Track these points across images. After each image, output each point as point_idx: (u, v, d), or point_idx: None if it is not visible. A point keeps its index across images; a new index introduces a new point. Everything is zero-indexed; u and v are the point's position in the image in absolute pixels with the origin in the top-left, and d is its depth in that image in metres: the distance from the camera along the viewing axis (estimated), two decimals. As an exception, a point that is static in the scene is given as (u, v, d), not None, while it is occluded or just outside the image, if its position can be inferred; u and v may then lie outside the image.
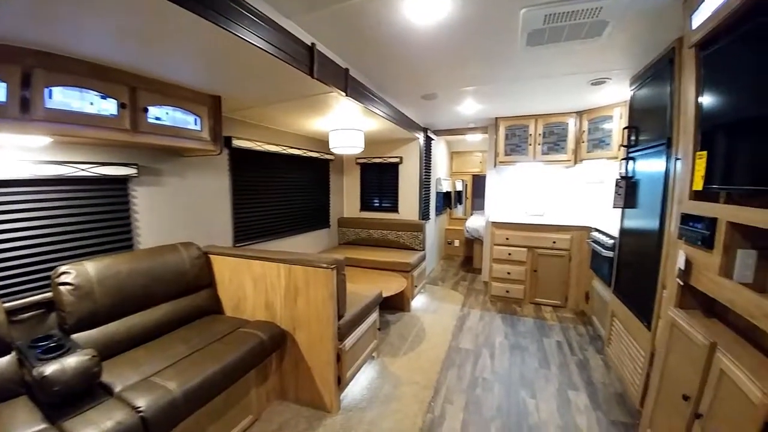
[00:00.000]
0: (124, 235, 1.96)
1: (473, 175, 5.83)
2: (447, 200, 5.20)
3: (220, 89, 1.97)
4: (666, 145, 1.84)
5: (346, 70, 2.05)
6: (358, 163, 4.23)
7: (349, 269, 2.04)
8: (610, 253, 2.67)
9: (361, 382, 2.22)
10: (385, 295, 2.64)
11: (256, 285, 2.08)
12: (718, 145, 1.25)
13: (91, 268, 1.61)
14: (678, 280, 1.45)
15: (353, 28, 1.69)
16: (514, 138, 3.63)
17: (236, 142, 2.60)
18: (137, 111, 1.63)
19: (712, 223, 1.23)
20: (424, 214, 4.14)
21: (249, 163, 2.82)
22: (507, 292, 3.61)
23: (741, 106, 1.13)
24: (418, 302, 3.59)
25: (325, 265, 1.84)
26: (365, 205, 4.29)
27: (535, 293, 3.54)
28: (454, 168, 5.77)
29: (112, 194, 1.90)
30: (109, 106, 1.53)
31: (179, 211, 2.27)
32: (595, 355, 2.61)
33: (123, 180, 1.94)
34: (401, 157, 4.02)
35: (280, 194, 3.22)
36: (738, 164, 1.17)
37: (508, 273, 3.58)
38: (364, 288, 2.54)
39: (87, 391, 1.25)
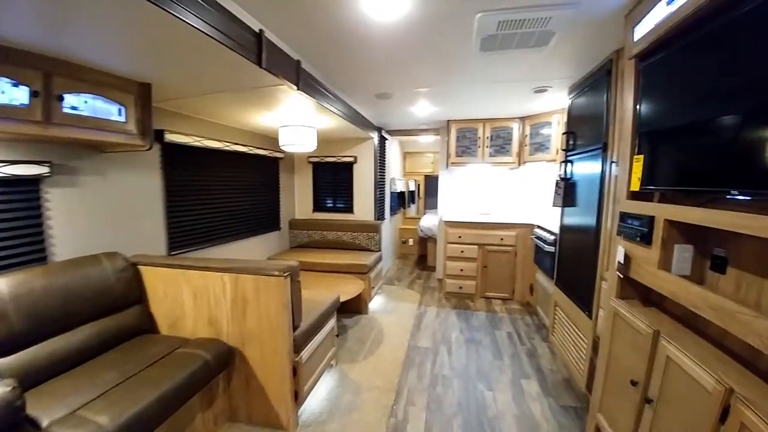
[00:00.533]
0: (36, 245, 1.63)
1: (425, 176, 5.93)
2: (401, 200, 5.22)
3: (151, 75, 1.68)
4: (602, 149, 1.99)
5: (298, 62, 1.89)
6: (310, 162, 4.02)
7: (303, 274, 1.88)
8: (551, 248, 2.86)
9: (319, 394, 2.08)
10: (342, 299, 2.52)
11: (196, 298, 1.82)
12: (654, 149, 1.35)
13: (2, 285, 1.34)
14: (618, 273, 1.55)
15: (306, 17, 1.55)
16: (464, 140, 3.74)
17: (170, 137, 2.27)
18: (51, 99, 1.35)
19: (650, 220, 1.32)
20: (380, 215, 4.09)
21: (185, 160, 2.49)
22: (460, 288, 3.70)
23: (674, 114, 1.24)
24: (375, 304, 3.52)
25: (277, 273, 1.66)
26: (318, 206, 4.10)
27: (485, 288, 3.69)
28: (407, 168, 5.82)
29: (20, 198, 1.57)
30: (20, 95, 1.26)
31: (101, 217, 1.92)
32: (541, 343, 2.77)
33: (33, 181, 1.61)
34: (356, 157, 3.91)
35: (223, 195, 2.91)
36: (672, 167, 1.28)
37: (461, 270, 3.68)
38: (320, 293, 2.39)
39: (12, 427, 1.00)
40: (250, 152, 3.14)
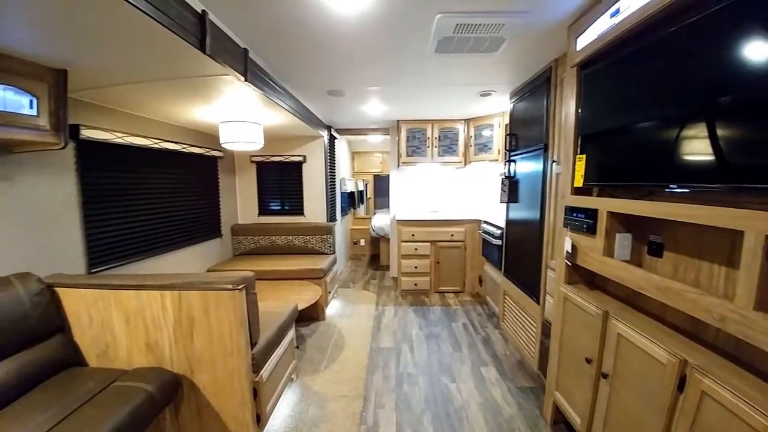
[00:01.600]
0: None
1: (375, 175, 5.93)
2: (351, 200, 5.14)
3: (68, 59, 1.37)
4: (543, 149, 2.17)
5: (246, 50, 1.71)
6: (253, 162, 3.72)
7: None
8: (498, 242, 3.05)
9: (282, 412, 1.92)
10: (300, 307, 2.37)
11: (130, 322, 1.54)
12: (595, 149, 1.50)
13: None
14: (566, 261, 1.70)
15: (256, 1, 1.40)
16: (414, 140, 3.80)
17: (87, 133, 1.89)
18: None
19: (594, 213, 1.47)
20: (332, 216, 3.96)
21: (106, 160, 2.10)
22: (415, 285, 3.77)
23: (614, 118, 1.38)
24: (332, 309, 3.40)
25: (230, 286, 1.47)
26: (265, 209, 3.82)
27: (439, 283, 3.81)
28: (355, 168, 5.75)
29: None
30: None
31: (9, 231, 1.54)
32: (494, 330, 2.95)
33: None
34: (305, 156, 3.73)
35: (152, 200, 2.53)
36: (610, 165, 1.43)
37: (416, 267, 3.75)
38: (275, 304, 2.22)
39: None
40: (185, 151, 2.79)
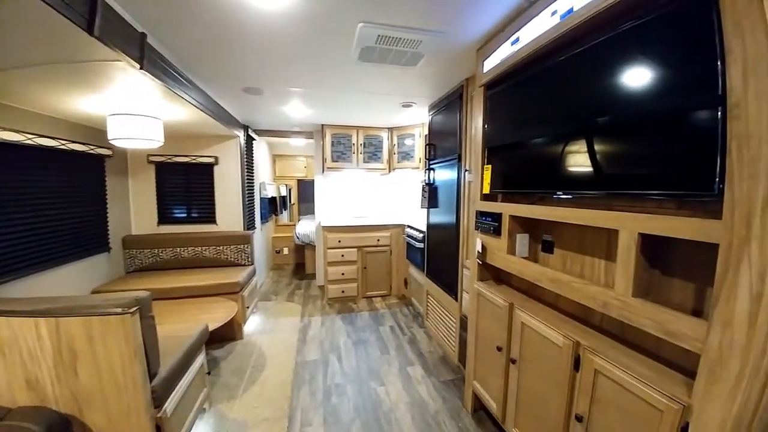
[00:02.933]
0: None
1: (299, 180, 5.72)
2: (272, 206, 4.85)
3: None
4: (457, 159, 2.40)
5: (143, 35, 1.50)
6: (152, 162, 3.24)
7: (154, 305, 1.48)
8: (421, 245, 3.25)
9: (193, 448, 1.70)
10: (211, 327, 2.14)
11: (5, 354, 1.23)
12: (498, 160, 1.72)
13: None
14: (477, 260, 1.90)
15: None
16: (339, 146, 3.80)
17: None
18: None
19: (499, 216, 1.68)
20: (250, 224, 3.68)
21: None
22: (343, 292, 3.74)
23: (511, 133, 1.61)
24: (251, 325, 3.14)
25: (119, 310, 1.25)
26: (166, 218, 3.35)
27: (366, 288, 3.85)
28: (277, 172, 5.46)
29: None
30: None
31: None
32: (419, 329, 3.10)
33: None
34: (216, 157, 3.39)
35: (22, 209, 2.04)
36: (510, 174, 1.65)
37: (343, 274, 3.73)
38: (180, 327, 1.97)
39: None
40: (63, 148, 2.29)
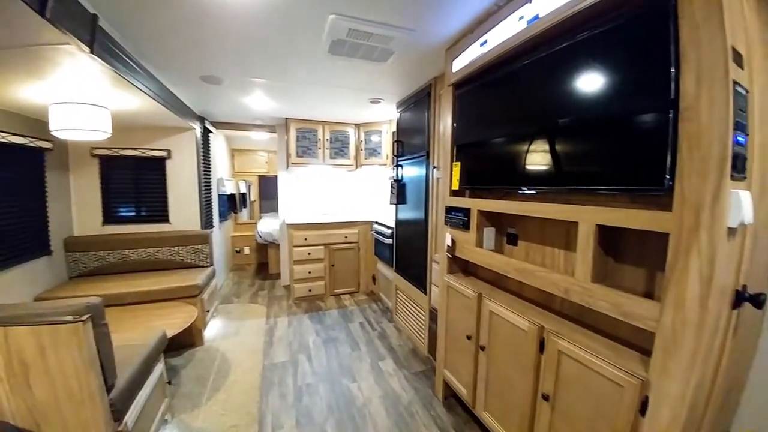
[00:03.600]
0: None
1: (260, 176, 5.47)
2: (231, 204, 4.59)
3: None
4: (426, 156, 2.45)
5: (94, 16, 1.35)
6: (96, 156, 2.92)
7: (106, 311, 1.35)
8: (389, 240, 3.28)
9: (154, 464, 1.57)
10: (170, 334, 2.00)
11: None
12: (467, 157, 1.79)
13: None
14: (447, 254, 1.96)
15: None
16: (304, 140, 3.70)
17: None
18: None
19: (468, 211, 1.75)
20: (208, 222, 3.46)
21: None
22: (310, 290, 3.67)
23: (479, 132, 1.68)
24: (212, 330, 2.97)
25: (70, 318, 1.12)
26: (112, 217, 3.04)
27: (334, 285, 3.81)
28: (236, 167, 5.17)
29: None
30: None
31: None
32: (388, 324, 3.14)
33: None
34: (169, 151, 3.14)
35: None
36: (478, 171, 1.73)
37: (309, 272, 3.65)
38: (134, 335, 1.82)
39: None
40: None
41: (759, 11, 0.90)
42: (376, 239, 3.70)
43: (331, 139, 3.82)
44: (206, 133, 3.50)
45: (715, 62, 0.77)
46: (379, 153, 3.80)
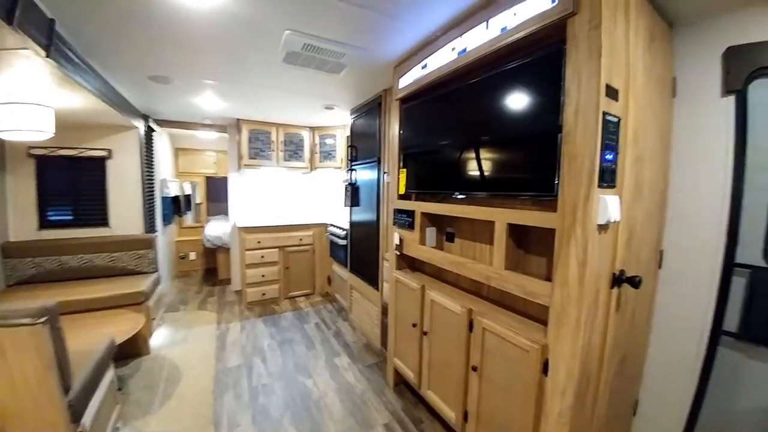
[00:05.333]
0: None
1: (207, 177, 5.28)
2: (175, 206, 4.39)
3: None
4: (377, 162, 2.67)
5: (52, 21, 1.36)
6: (33, 156, 2.69)
7: None
8: (344, 242, 3.44)
9: (102, 473, 1.57)
10: (118, 341, 1.97)
11: None
12: (412, 164, 2.03)
13: None
14: (396, 252, 2.19)
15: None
16: (257, 142, 3.72)
17: None
18: None
19: (412, 213, 1.98)
20: (151, 226, 3.33)
21: None
22: (263, 294, 3.69)
23: (421, 142, 1.93)
24: (159, 339, 2.88)
25: (28, 320, 1.15)
26: (48, 221, 2.82)
27: (289, 288, 3.87)
28: (180, 167, 4.94)
29: None
30: None
31: None
32: (343, 323, 3.30)
33: None
34: (110, 150, 2.99)
35: None
36: (421, 177, 1.97)
37: (263, 276, 3.67)
38: (81, 342, 1.77)
39: None
40: None
41: (648, 47, 1.22)
42: (331, 241, 3.84)
43: (285, 141, 3.88)
44: (149, 131, 3.37)
45: (590, 98, 1.04)
46: (333, 156, 3.94)
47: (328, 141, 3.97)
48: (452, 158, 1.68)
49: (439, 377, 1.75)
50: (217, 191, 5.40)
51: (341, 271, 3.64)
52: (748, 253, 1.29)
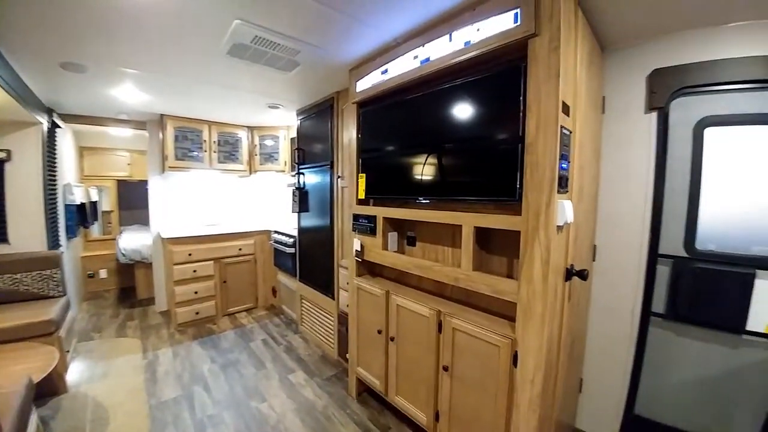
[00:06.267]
0: None
1: (119, 181, 4.57)
2: (81, 216, 3.71)
3: None
4: (330, 165, 2.62)
5: None
6: None
7: None
8: (292, 250, 3.30)
9: None
10: (36, 379, 1.63)
11: None
12: (371, 169, 2.04)
13: None
14: (356, 258, 2.17)
15: None
16: (186, 141, 3.35)
17: None
18: None
19: (374, 218, 2.00)
20: (55, 240, 2.79)
21: None
22: (197, 313, 3.33)
23: (382, 149, 1.96)
24: (75, 374, 2.41)
25: None
26: None
27: (227, 304, 3.56)
28: (86, 170, 4.19)
29: None
30: None
31: None
32: (294, 336, 3.15)
33: None
34: (9, 151, 2.45)
35: None
36: (382, 182, 1.99)
37: (196, 292, 3.31)
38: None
39: None
40: None
41: (588, 69, 1.41)
42: (276, 249, 3.64)
43: (219, 141, 3.57)
44: (54, 127, 2.81)
45: (549, 113, 1.17)
46: (276, 159, 3.76)
47: (269, 142, 3.77)
48: (415, 164, 1.74)
49: (408, 381, 1.79)
50: (131, 197, 4.73)
51: (289, 281, 3.48)
52: (670, 246, 1.58)
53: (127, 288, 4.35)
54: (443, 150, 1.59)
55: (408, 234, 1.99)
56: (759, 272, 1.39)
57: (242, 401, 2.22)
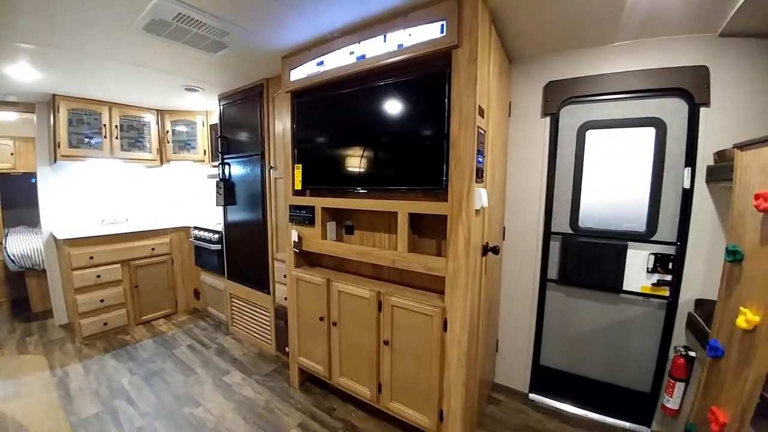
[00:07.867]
0: None
1: (1, 174, 3.80)
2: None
3: None
4: (260, 156, 2.63)
5: None
6: None
7: None
8: (217, 246, 3.21)
9: None
10: None
11: None
12: (307, 160, 2.15)
13: None
14: (294, 249, 2.27)
15: None
16: (82, 126, 2.98)
17: None
18: None
19: (312, 208, 2.12)
20: None
21: None
22: (105, 324, 3.04)
23: (319, 139, 2.08)
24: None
25: None
26: None
27: (141, 312, 3.30)
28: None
29: None
30: None
31: None
32: (225, 338, 3.10)
33: None
34: None
35: None
36: (319, 173, 2.11)
37: (102, 300, 3.02)
38: None
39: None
40: None
41: (498, 78, 1.70)
42: (197, 247, 3.48)
43: (122, 126, 3.24)
44: None
45: (468, 114, 1.44)
46: (193, 147, 3.56)
47: (183, 128, 3.54)
48: (353, 156, 1.90)
49: (351, 361, 1.98)
50: (14, 194, 4.02)
51: (215, 281, 3.37)
52: (560, 225, 2.05)
53: (20, 300, 3.71)
54: (379, 143, 1.79)
55: (346, 223, 2.15)
56: (630, 243, 1.89)
57: (174, 409, 2.17)
